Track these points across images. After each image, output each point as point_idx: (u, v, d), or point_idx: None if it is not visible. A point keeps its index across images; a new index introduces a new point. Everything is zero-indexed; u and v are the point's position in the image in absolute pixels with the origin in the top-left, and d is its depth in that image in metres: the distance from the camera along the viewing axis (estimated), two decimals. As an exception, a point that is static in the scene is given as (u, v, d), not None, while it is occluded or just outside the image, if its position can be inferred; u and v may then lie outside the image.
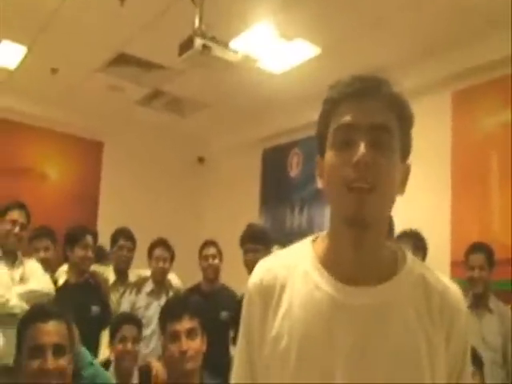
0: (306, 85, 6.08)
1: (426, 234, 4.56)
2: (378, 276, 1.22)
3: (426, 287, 1.23)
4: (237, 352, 1.34)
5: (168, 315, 2.83)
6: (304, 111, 6.52)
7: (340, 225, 1.22)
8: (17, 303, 3.85)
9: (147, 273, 5.03)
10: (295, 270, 1.27)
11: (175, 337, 2.71)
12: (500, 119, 5.01)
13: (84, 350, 3.11)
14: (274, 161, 7.71)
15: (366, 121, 1.19)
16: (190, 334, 2.72)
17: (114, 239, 5.10)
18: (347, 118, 1.20)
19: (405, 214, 5.16)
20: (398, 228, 4.29)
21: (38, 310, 2.32)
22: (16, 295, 3.90)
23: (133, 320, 3.74)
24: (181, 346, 2.67)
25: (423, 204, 5.39)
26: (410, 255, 1.29)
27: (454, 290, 1.27)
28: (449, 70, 5.31)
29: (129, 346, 3.54)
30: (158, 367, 3.95)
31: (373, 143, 1.17)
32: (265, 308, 1.27)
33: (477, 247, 4.42)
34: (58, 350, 2.20)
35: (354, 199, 1.15)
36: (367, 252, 1.22)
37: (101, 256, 5.22)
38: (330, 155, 1.22)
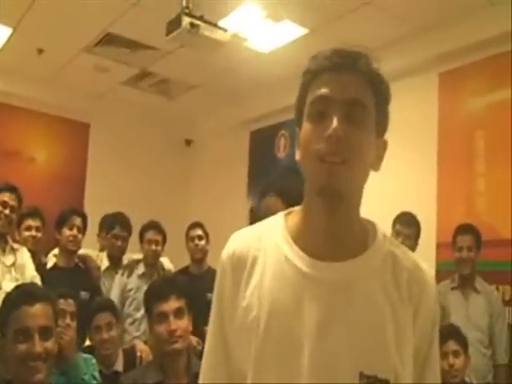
0: (293, 65, 5.98)
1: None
2: (348, 251, 1.24)
3: (395, 264, 1.25)
4: (210, 321, 1.36)
5: (154, 296, 2.82)
6: (291, 92, 6.49)
7: (313, 196, 1.25)
8: None
9: (139, 257, 5.01)
10: (267, 243, 1.29)
11: (163, 317, 2.71)
12: (487, 100, 5.03)
13: (81, 362, 3.14)
14: (261, 143, 7.69)
15: (341, 95, 1.21)
16: (178, 313, 2.72)
17: (110, 225, 5.07)
18: (323, 91, 1.22)
19: (390, 194, 5.22)
20: (384, 209, 4.34)
21: (24, 293, 2.28)
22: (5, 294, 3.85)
23: (105, 307, 3.70)
24: (169, 326, 2.67)
25: (409, 185, 5.42)
26: (381, 231, 1.31)
27: (424, 267, 1.29)
28: (436, 50, 5.31)
29: (104, 335, 3.53)
30: (142, 348, 3.96)
31: (347, 117, 1.19)
32: (237, 278, 1.29)
33: (464, 228, 4.45)
34: (45, 333, 2.19)
35: (326, 171, 1.18)
36: (339, 224, 1.24)
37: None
38: (305, 127, 1.24)
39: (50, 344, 2.19)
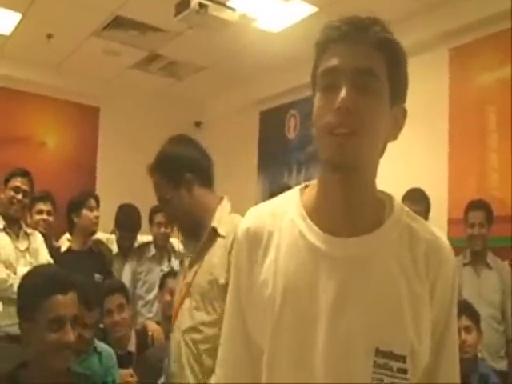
0: (302, 44, 6.00)
1: (423, 191, 4.61)
2: (364, 226, 1.22)
3: (412, 237, 1.23)
4: (228, 297, 1.36)
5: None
6: (300, 72, 6.47)
7: (327, 170, 1.23)
8: None
9: (149, 239, 5.04)
10: (283, 218, 1.28)
11: None
12: (497, 75, 4.99)
13: (109, 354, 3.17)
14: (271, 123, 7.68)
15: (351, 65, 1.18)
16: None
17: (119, 227, 5.07)
18: (332, 62, 1.20)
19: (402, 171, 5.21)
20: (395, 185, 4.34)
21: (57, 281, 2.26)
22: (20, 279, 3.82)
23: (115, 289, 3.68)
24: None
25: (420, 161, 5.40)
26: (397, 204, 1.28)
27: (442, 239, 1.27)
28: (446, 26, 5.27)
29: (115, 317, 3.54)
30: (154, 328, 4.00)
31: (357, 87, 1.16)
32: (253, 255, 1.28)
33: (476, 204, 4.44)
34: (74, 321, 2.22)
35: (336, 143, 1.15)
36: (354, 198, 1.22)
37: None
38: (317, 99, 1.22)
39: (76, 332, 2.23)
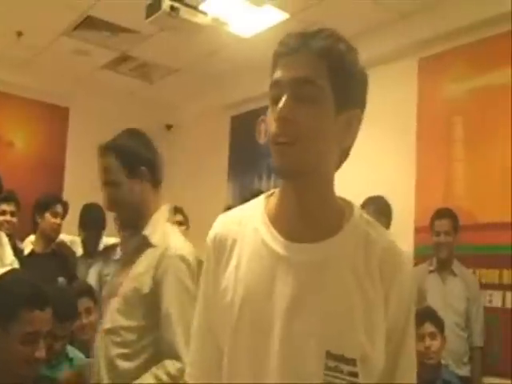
0: (273, 50, 6.04)
1: (390, 199, 4.62)
2: (322, 232, 1.25)
3: (368, 244, 1.26)
4: (197, 302, 1.39)
5: None
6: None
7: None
8: None
9: (114, 241, 5.00)
10: (247, 226, 1.32)
11: None
12: (465, 86, 5.04)
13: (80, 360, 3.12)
14: (242, 128, 7.67)
15: (289, 75, 1.22)
16: None
17: (83, 226, 5.02)
18: (276, 75, 1.25)
19: (369, 179, 5.25)
20: (363, 193, 4.36)
21: (39, 296, 2.23)
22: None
23: (83, 292, 3.63)
24: None
25: (388, 170, 5.44)
26: (358, 211, 1.31)
27: (399, 248, 1.30)
28: (416, 36, 5.31)
29: (83, 320, 3.50)
30: None
31: (296, 97, 1.21)
32: (217, 262, 1.32)
33: (442, 213, 4.49)
34: (46, 337, 2.23)
35: (277, 152, 1.21)
36: (310, 205, 1.26)
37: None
38: (268, 112, 1.27)
39: (47, 344, 2.26)
